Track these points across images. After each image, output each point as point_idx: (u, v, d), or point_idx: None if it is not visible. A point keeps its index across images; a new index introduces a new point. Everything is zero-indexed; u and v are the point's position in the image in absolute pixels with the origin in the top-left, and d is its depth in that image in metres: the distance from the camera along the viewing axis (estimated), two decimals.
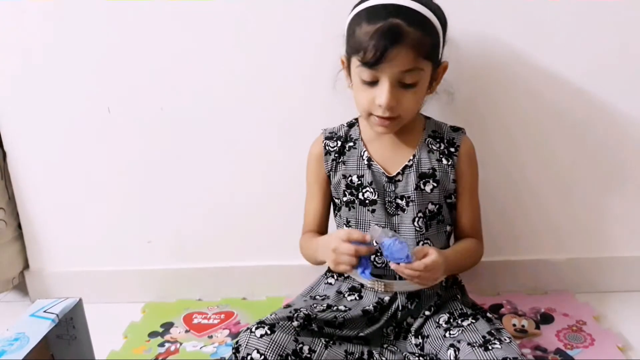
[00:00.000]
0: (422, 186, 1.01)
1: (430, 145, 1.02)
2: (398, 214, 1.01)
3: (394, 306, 1.00)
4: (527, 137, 1.22)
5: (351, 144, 1.05)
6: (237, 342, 0.88)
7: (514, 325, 1.17)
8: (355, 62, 0.93)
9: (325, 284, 1.09)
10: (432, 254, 0.90)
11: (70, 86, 1.24)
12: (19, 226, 1.37)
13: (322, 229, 1.11)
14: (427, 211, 1.01)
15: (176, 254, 1.35)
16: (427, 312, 0.99)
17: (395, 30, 0.87)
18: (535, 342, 1.12)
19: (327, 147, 1.06)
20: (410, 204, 1.00)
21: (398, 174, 1.01)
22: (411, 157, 1.01)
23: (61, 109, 1.26)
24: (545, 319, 1.20)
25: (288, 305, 1.00)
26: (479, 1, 1.13)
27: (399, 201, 1.01)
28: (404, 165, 1.01)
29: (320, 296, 1.05)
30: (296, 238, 1.12)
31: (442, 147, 1.03)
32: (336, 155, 1.05)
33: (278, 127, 1.24)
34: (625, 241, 1.28)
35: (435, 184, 1.01)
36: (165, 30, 1.20)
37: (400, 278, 0.98)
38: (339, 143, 1.05)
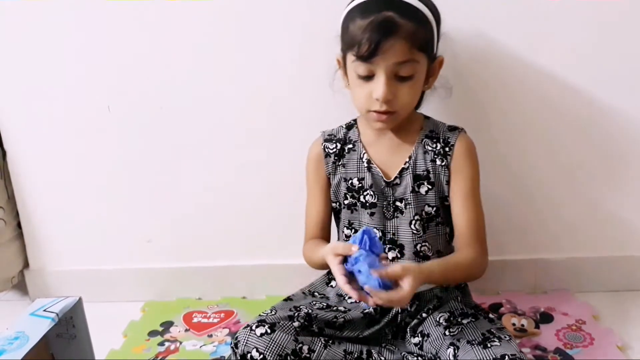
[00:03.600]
0: (417, 188, 1.00)
1: (426, 146, 1.01)
2: (397, 217, 1.01)
3: (394, 310, 0.99)
4: (528, 136, 1.22)
5: (350, 146, 1.04)
6: (236, 338, 0.88)
7: (514, 324, 1.17)
8: (350, 57, 0.93)
9: (326, 284, 1.09)
10: (404, 286, 0.83)
11: (70, 85, 1.24)
12: (19, 225, 1.37)
13: (325, 234, 1.09)
14: (423, 213, 1.00)
15: (176, 253, 1.35)
16: (424, 314, 0.99)
17: (388, 22, 0.88)
18: (534, 342, 1.12)
19: (326, 150, 1.05)
20: (408, 206, 1.00)
21: (396, 177, 1.01)
22: (407, 159, 1.01)
23: (61, 108, 1.26)
24: (545, 318, 1.20)
25: (289, 299, 1.01)
26: None
27: (398, 204, 1.01)
28: (401, 168, 1.01)
29: (319, 294, 1.05)
30: (296, 237, 1.12)
31: (437, 147, 1.00)
32: (335, 157, 1.05)
33: (279, 127, 1.24)
34: (625, 241, 1.28)
35: (430, 186, 1.00)
36: (165, 30, 1.20)
37: None
38: (339, 145, 1.05)
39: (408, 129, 1.02)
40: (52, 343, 0.94)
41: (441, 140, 1.01)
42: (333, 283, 1.08)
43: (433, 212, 1.01)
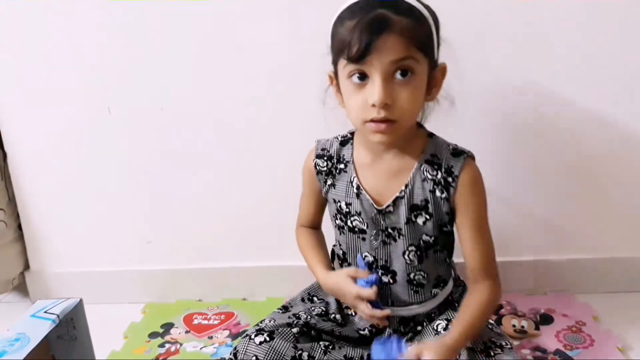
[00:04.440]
0: (413, 219, 0.91)
1: (425, 173, 0.90)
2: (390, 244, 0.94)
3: (387, 331, 0.97)
4: (527, 137, 1.22)
5: (342, 166, 0.96)
6: (235, 348, 0.87)
7: (514, 325, 1.17)
8: (342, 64, 0.84)
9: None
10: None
11: (70, 86, 1.25)
12: (19, 227, 1.37)
13: (316, 224, 1.07)
14: (421, 242, 0.93)
15: (176, 255, 1.35)
16: (419, 328, 0.97)
17: (381, 18, 0.79)
18: (534, 343, 1.12)
19: (317, 167, 0.98)
20: (401, 237, 0.92)
21: (388, 206, 0.92)
22: (403, 188, 0.91)
23: (62, 109, 1.26)
24: (545, 319, 1.20)
25: (285, 308, 0.99)
26: (479, 1, 1.14)
27: (390, 231, 0.93)
28: (395, 196, 0.91)
29: (319, 299, 1.03)
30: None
31: (438, 176, 0.90)
32: (326, 177, 0.97)
33: (278, 128, 1.25)
34: (625, 241, 1.28)
35: (428, 217, 0.91)
36: (166, 31, 1.20)
37: (393, 304, 0.95)
38: (329, 163, 0.97)
39: (408, 151, 0.92)
40: (53, 344, 0.94)
41: (443, 167, 0.90)
42: None
43: (431, 241, 0.93)
